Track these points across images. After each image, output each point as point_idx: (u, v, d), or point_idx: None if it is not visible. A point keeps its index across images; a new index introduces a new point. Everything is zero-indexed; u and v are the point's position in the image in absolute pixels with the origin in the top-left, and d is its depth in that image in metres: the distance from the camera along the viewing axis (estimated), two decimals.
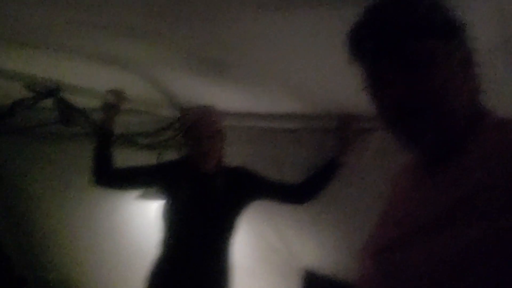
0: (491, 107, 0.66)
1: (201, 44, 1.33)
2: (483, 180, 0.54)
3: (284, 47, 1.24)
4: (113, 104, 1.70)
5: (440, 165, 0.64)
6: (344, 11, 0.83)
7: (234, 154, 1.82)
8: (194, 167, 1.68)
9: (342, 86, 1.45)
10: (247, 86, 1.71)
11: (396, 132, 0.67)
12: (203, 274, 1.65)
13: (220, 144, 1.68)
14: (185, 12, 1.08)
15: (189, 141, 1.67)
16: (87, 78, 1.72)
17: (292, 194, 1.75)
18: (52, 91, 1.54)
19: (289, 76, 1.51)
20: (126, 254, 2.37)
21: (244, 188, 1.72)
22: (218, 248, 1.69)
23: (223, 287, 1.68)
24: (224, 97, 1.84)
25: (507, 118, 0.62)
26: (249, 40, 1.23)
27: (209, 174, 1.68)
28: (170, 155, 2.06)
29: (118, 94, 1.71)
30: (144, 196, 2.08)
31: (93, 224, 2.44)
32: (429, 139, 0.64)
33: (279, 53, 1.30)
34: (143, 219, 2.28)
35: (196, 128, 1.63)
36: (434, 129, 0.63)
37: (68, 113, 1.58)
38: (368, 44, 0.65)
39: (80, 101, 1.77)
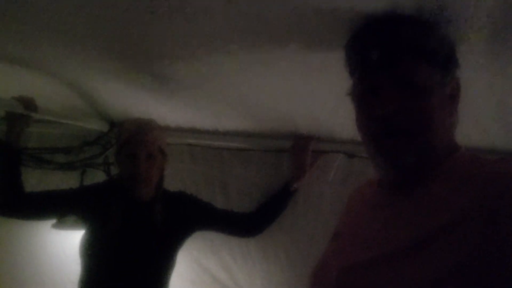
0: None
1: (138, 51, 1.12)
2: (454, 210, 0.56)
3: (233, 61, 1.09)
4: (20, 114, 1.38)
5: (410, 190, 0.65)
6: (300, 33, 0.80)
7: (175, 176, 1.59)
8: (127, 192, 1.42)
9: (299, 105, 1.37)
10: (190, 100, 1.50)
11: (374, 147, 0.68)
12: None
13: (161, 165, 1.43)
14: (122, 16, 0.90)
15: (123, 160, 1.39)
16: None
17: (241, 226, 1.56)
18: None
19: (239, 91, 1.35)
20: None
21: (185, 218, 1.48)
22: (155, 285, 1.44)
23: None
24: (163, 110, 1.61)
25: (476, 154, 0.65)
26: (194, 52, 1.07)
27: (145, 200, 1.43)
28: (95, 177, 1.79)
29: (27, 102, 1.39)
30: (60, 226, 1.74)
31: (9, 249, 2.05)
32: (407, 159, 0.65)
33: (227, 67, 1.15)
34: (58, 251, 1.98)
35: (134, 144, 1.36)
36: (415, 151, 0.64)
37: None
38: (373, 53, 0.65)
39: None
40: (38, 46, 1.15)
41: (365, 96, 0.68)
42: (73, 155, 1.85)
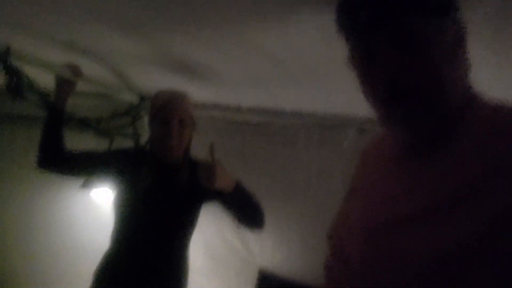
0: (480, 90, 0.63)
1: (161, 31, 1.23)
2: (476, 168, 0.52)
3: (255, 42, 1.16)
4: (69, 80, 1.53)
5: (429, 150, 0.61)
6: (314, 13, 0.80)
7: (197, 147, 1.73)
8: (157, 156, 1.56)
9: (313, 85, 1.45)
10: (215, 78, 1.63)
11: (384, 114, 0.63)
12: (158, 272, 1.53)
13: (190, 133, 1.57)
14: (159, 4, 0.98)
15: (156, 125, 1.53)
16: (40, 52, 1.52)
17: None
18: (1, 54, 1.29)
19: (259, 70, 1.44)
20: (71, 246, 2.18)
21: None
22: (176, 245, 1.58)
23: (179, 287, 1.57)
24: (190, 86, 1.75)
25: (497, 102, 0.59)
26: (220, 36, 1.15)
27: (173, 165, 1.56)
28: (123, 143, 1.92)
29: (75, 69, 1.54)
30: (86, 185, 1.90)
31: (34, 212, 2.20)
32: (421, 122, 0.60)
33: (247, 43, 1.20)
34: (92, 209, 2.13)
35: (167, 111, 1.50)
36: (428, 112, 0.60)
37: (19, 83, 1.35)
38: (360, 14, 0.60)
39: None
40: (74, 24, 1.25)
41: (363, 61, 0.63)
42: (104, 125, 1.99)
